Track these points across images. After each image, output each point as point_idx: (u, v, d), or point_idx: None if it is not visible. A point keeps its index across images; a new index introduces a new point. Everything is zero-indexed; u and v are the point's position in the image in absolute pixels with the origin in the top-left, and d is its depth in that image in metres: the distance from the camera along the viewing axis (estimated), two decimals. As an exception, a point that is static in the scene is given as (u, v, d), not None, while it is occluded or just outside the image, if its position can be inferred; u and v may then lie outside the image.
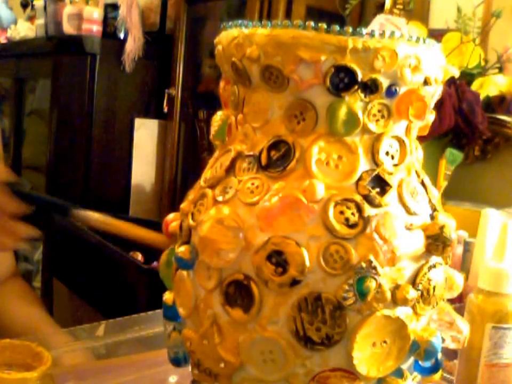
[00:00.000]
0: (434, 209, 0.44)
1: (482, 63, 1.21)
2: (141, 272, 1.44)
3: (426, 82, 0.42)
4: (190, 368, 0.47)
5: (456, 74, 0.47)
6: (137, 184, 2.17)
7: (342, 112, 0.41)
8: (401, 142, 0.43)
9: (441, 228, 0.42)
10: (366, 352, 0.41)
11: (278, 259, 0.40)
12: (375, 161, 0.42)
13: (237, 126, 0.45)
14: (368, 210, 0.40)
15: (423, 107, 0.43)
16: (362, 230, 0.40)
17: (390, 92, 0.41)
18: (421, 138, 0.46)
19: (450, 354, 0.64)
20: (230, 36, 0.43)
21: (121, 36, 2.10)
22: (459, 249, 0.86)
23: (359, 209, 0.40)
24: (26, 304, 0.92)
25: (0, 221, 0.68)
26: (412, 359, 0.44)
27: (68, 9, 2.11)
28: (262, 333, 0.41)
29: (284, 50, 0.40)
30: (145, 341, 0.75)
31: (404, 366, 0.44)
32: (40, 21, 2.31)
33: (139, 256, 1.67)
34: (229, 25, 0.44)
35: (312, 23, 0.40)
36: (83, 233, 1.67)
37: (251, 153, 0.43)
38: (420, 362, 0.45)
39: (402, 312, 0.41)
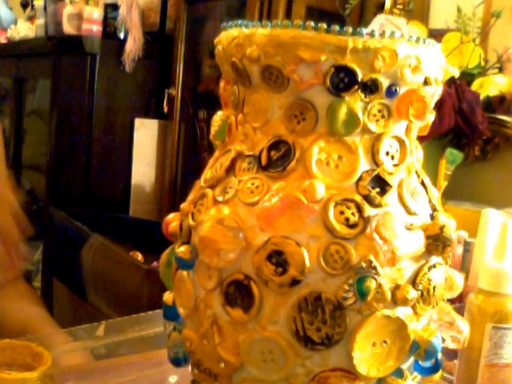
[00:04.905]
0: (434, 209, 0.44)
1: (482, 63, 1.21)
2: (141, 272, 1.44)
3: (426, 82, 0.42)
4: (190, 368, 0.47)
5: (456, 74, 0.47)
6: (137, 184, 2.17)
7: (342, 112, 0.41)
8: (401, 142, 0.43)
9: (441, 228, 0.42)
10: (366, 352, 0.41)
11: (278, 259, 0.40)
12: (375, 161, 0.42)
13: (237, 126, 0.45)
14: (368, 210, 0.40)
15: (423, 107, 0.43)
16: (362, 230, 0.40)
17: (390, 92, 0.41)
18: (421, 138, 0.46)
19: (450, 354, 0.64)
20: (230, 36, 0.43)
21: (121, 36, 2.10)
22: (459, 249, 0.86)
23: (359, 209, 0.40)
24: (27, 304, 0.92)
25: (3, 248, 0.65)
26: (412, 359, 0.44)
27: (68, 9, 2.11)
28: (262, 333, 0.41)
29: (284, 50, 0.40)
30: (145, 341, 0.75)
31: (404, 366, 0.44)
32: (40, 21, 2.31)
33: (139, 256, 1.67)
34: (229, 25, 0.44)
35: (312, 23, 0.40)
36: (83, 233, 1.68)
37: (251, 153, 0.43)
38: (420, 362, 0.45)
39: (402, 312, 0.41)
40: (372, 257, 0.40)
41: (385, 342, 0.41)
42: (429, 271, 0.42)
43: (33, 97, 2.47)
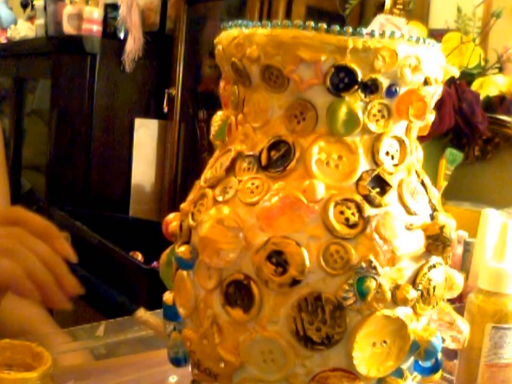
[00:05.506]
0: (434, 209, 0.44)
1: (482, 63, 1.21)
2: (141, 272, 1.44)
3: (426, 82, 0.42)
4: (190, 368, 0.47)
5: (456, 74, 0.47)
6: (137, 184, 2.17)
7: (342, 112, 0.41)
8: (401, 142, 0.43)
9: (441, 228, 0.42)
10: (366, 352, 0.41)
11: (278, 259, 0.40)
12: (375, 161, 0.42)
13: (237, 126, 0.45)
14: (368, 210, 0.40)
15: (423, 107, 0.43)
16: (362, 230, 0.40)
17: (390, 92, 0.41)
18: (421, 138, 0.46)
19: (450, 354, 0.64)
20: (230, 36, 0.43)
21: (121, 36, 2.10)
22: (459, 249, 0.86)
23: (359, 209, 0.40)
24: (27, 304, 0.92)
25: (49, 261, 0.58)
26: (412, 359, 0.44)
27: (68, 9, 2.11)
28: (262, 333, 0.41)
29: (284, 50, 0.40)
30: (145, 341, 0.75)
31: (404, 366, 0.44)
32: (40, 21, 2.31)
33: (139, 256, 1.67)
34: (229, 25, 0.44)
35: (312, 23, 0.40)
36: (83, 233, 1.68)
37: (251, 153, 0.43)
38: (420, 362, 0.45)
39: (402, 312, 0.41)
40: (371, 257, 0.40)
41: (385, 342, 0.41)
42: (429, 271, 0.42)
43: (33, 97, 2.47)
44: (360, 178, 0.41)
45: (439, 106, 0.99)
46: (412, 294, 0.41)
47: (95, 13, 2.09)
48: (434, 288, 0.43)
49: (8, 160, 2.37)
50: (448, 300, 0.47)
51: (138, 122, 2.14)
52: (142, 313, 0.58)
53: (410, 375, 0.45)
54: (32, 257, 0.58)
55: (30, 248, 0.58)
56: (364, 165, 0.42)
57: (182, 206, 0.46)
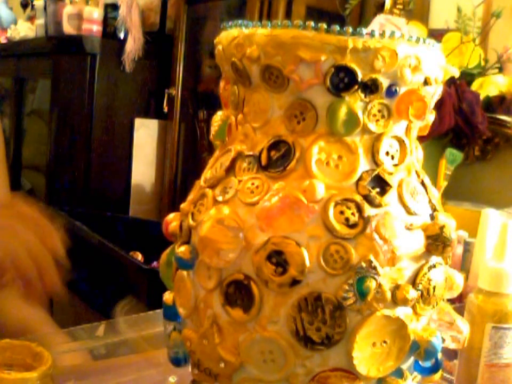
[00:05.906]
0: (434, 209, 0.44)
1: (482, 63, 1.21)
2: (141, 272, 1.44)
3: (426, 82, 0.42)
4: (190, 368, 0.47)
5: (456, 74, 0.47)
6: (137, 184, 2.17)
7: (342, 112, 0.41)
8: (401, 142, 0.43)
9: (441, 228, 0.42)
10: (366, 352, 0.41)
11: (278, 259, 0.40)
12: (375, 161, 0.42)
13: (237, 126, 0.45)
14: (368, 210, 0.40)
15: (423, 107, 0.43)
16: (362, 230, 0.40)
17: (390, 92, 0.41)
18: (421, 138, 0.46)
19: (450, 354, 0.64)
20: (230, 36, 0.43)
21: (121, 36, 2.10)
22: (459, 249, 0.86)
23: (359, 209, 0.40)
24: (26, 304, 0.92)
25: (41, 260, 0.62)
26: (412, 359, 0.44)
27: (68, 9, 2.11)
28: (262, 333, 0.41)
29: (284, 50, 0.40)
30: (145, 341, 0.75)
31: (404, 366, 0.44)
32: (40, 21, 2.31)
33: (139, 256, 1.67)
34: (229, 25, 0.44)
35: (312, 23, 0.40)
36: (83, 233, 1.68)
37: (251, 153, 0.43)
38: (420, 362, 0.45)
39: (402, 312, 0.41)
40: (371, 257, 0.40)
41: (385, 342, 0.41)
42: (429, 271, 0.42)
43: (33, 97, 2.47)
44: (360, 178, 0.41)
45: (439, 106, 0.99)
46: (412, 294, 0.41)
47: (95, 13, 2.09)
48: (434, 288, 0.43)
49: (8, 160, 2.37)
50: (448, 300, 0.47)
51: (138, 122, 2.14)
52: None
53: (410, 375, 0.45)
54: (20, 247, 0.62)
55: (20, 240, 0.63)
56: (364, 165, 0.42)
57: (182, 206, 0.46)
